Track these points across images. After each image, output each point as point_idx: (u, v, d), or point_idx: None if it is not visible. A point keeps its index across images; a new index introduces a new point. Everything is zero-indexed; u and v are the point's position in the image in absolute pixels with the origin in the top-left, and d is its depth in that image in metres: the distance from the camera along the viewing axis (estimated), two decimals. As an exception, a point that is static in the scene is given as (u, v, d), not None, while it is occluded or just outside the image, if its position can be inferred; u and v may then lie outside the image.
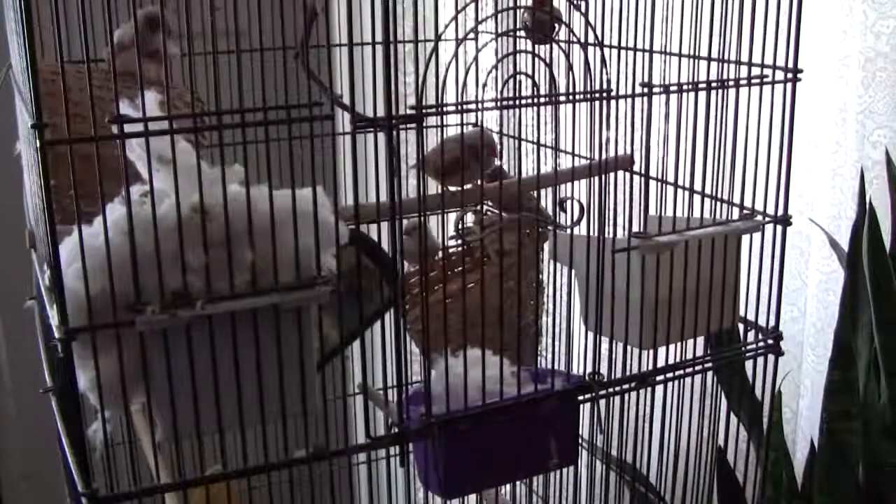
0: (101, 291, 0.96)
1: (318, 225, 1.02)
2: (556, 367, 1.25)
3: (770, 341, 1.33)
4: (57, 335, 0.96)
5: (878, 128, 1.97)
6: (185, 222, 0.98)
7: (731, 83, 1.23)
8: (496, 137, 1.53)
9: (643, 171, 1.23)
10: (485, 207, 1.44)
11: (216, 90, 1.00)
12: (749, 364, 1.40)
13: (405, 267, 1.36)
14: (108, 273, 0.96)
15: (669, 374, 1.28)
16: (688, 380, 1.33)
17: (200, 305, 0.98)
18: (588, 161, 1.18)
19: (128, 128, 0.95)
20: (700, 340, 1.36)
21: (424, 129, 1.05)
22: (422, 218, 1.10)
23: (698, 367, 1.30)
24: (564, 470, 1.27)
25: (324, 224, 1.03)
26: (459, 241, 1.36)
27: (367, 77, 1.03)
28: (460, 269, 1.36)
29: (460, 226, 1.34)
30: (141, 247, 0.97)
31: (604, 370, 1.22)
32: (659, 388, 1.30)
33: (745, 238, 1.31)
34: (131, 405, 1.05)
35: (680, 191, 1.29)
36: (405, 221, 1.18)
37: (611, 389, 1.21)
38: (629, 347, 1.25)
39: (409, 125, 1.04)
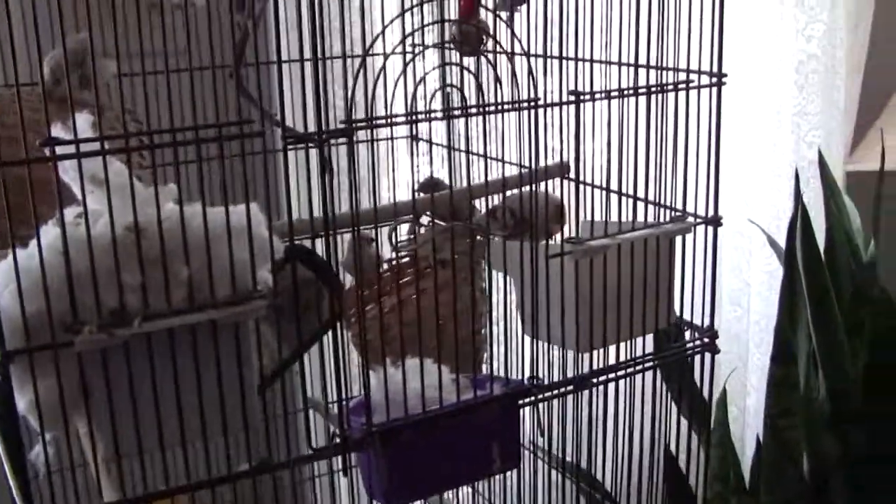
0: (37, 312, 0.97)
1: (253, 240, 1.03)
2: (498, 373, 1.27)
3: (706, 340, 1.35)
4: (-6, 358, 0.96)
5: (812, 129, 2.01)
6: (120, 241, 0.99)
7: (657, 89, 1.25)
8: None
9: (575, 177, 1.25)
10: (425, 220, 1.45)
11: (146, 111, 1.01)
12: (697, 366, 1.42)
13: (347, 281, 1.37)
14: (44, 293, 0.96)
15: (610, 376, 1.30)
16: (637, 382, 1.35)
17: (138, 323, 0.99)
18: (523, 170, 1.20)
19: (61, 150, 0.96)
20: (648, 341, 1.38)
21: (356, 144, 1.07)
22: (356, 232, 1.11)
23: (638, 368, 1.32)
24: (509, 473, 1.29)
25: (258, 239, 1.04)
26: (398, 254, 1.38)
27: (297, 94, 1.05)
28: (401, 281, 1.37)
29: (393, 238, 1.36)
30: (76, 266, 0.97)
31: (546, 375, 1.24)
32: (608, 390, 1.32)
33: (680, 240, 1.33)
34: (76, 427, 1.05)
35: (616, 196, 1.31)
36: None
37: (550, 393, 1.23)
38: (569, 351, 1.27)
39: (339, 139, 1.06)
